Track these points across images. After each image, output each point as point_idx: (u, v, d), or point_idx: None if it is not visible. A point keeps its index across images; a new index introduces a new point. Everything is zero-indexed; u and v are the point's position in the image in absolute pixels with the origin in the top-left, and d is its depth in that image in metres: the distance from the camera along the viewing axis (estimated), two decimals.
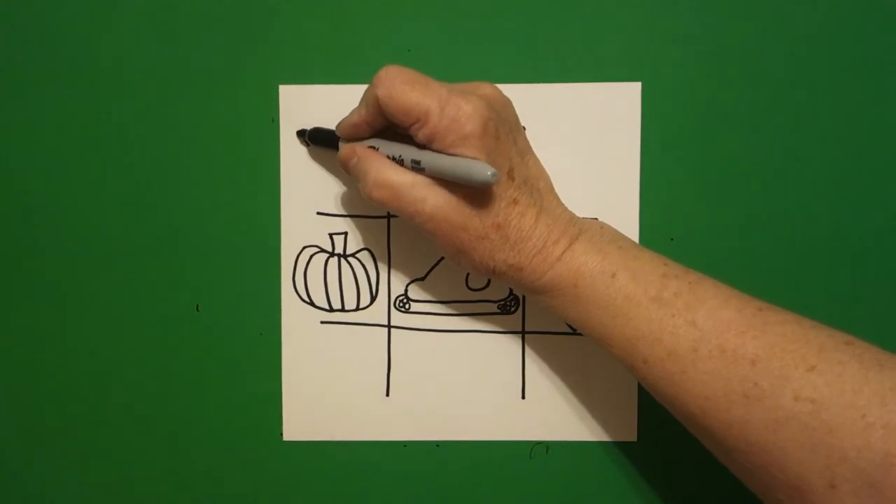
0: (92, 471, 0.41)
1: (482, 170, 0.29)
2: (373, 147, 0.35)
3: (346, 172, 0.37)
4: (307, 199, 0.41)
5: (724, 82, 0.40)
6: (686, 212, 0.40)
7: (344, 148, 0.36)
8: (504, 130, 0.33)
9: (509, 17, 0.40)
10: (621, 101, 0.40)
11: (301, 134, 0.40)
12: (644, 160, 0.40)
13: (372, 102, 0.33)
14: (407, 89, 0.32)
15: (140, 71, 0.40)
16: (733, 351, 0.30)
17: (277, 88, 0.40)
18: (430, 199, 0.32)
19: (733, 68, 0.40)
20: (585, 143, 0.40)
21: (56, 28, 0.40)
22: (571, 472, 0.41)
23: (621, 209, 0.40)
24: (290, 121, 0.40)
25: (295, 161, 0.40)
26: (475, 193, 0.32)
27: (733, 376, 0.30)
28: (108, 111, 0.41)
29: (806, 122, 0.40)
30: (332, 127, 0.38)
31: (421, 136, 0.32)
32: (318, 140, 0.39)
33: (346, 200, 0.41)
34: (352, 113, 0.36)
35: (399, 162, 0.33)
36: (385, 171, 0.33)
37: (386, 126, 0.34)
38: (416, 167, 0.32)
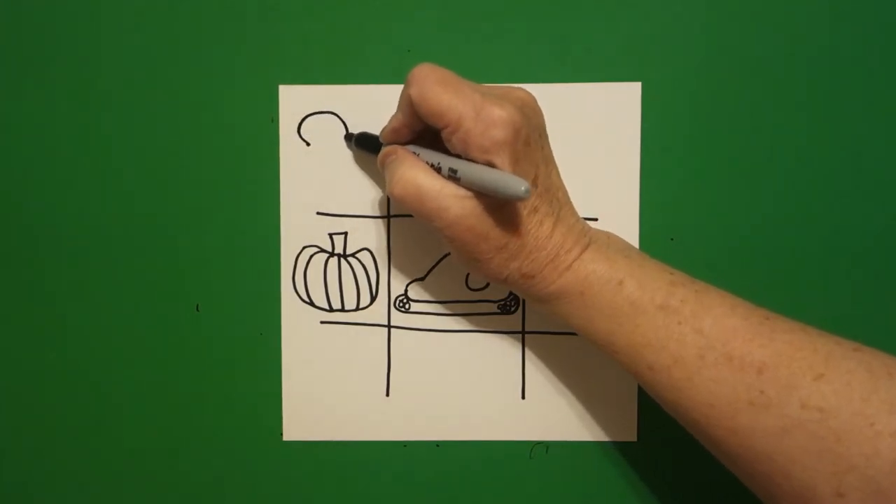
0: (92, 470, 0.41)
1: (517, 185, 0.29)
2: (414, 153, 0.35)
3: (381, 171, 0.36)
4: (307, 199, 0.41)
5: (724, 82, 0.40)
6: (686, 212, 0.40)
7: (385, 147, 0.36)
8: (534, 137, 0.33)
9: (509, 17, 0.40)
10: (621, 101, 0.40)
11: (348, 138, 0.40)
12: (644, 160, 0.40)
13: (406, 103, 0.33)
14: (439, 90, 0.32)
15: (139, 71, 0.40)
16: (740, 359, 0.30)
17: (277, 88, 0.40)
18: (454, 207, 0.32)
19: (733, 68, 0.40)
20: (585, 143, 0.40)
21: (55, 28, 0.40)
22: (571, 472, 0.41)
23: (621, 209, 0.40)
24: (290, 121, 0.40)
25: (295, 161, 0.40)
26: (499, 204, 0.32)
27: (739, 384, 0.30)
28: (107, 111, 0.41)
29: (806, 122, 0.40)
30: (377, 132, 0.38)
31: (455, 140, 0.32)
32: (364, 145, 0.39)
33: (346, 200, 0.41)
34: (391, 119, 0.36)
35: (437, 169, 0.33)
36: (416, 171, 0.33)
37: (426, 129, 0.34)
38: (453, 176, 0.32)
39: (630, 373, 0.33)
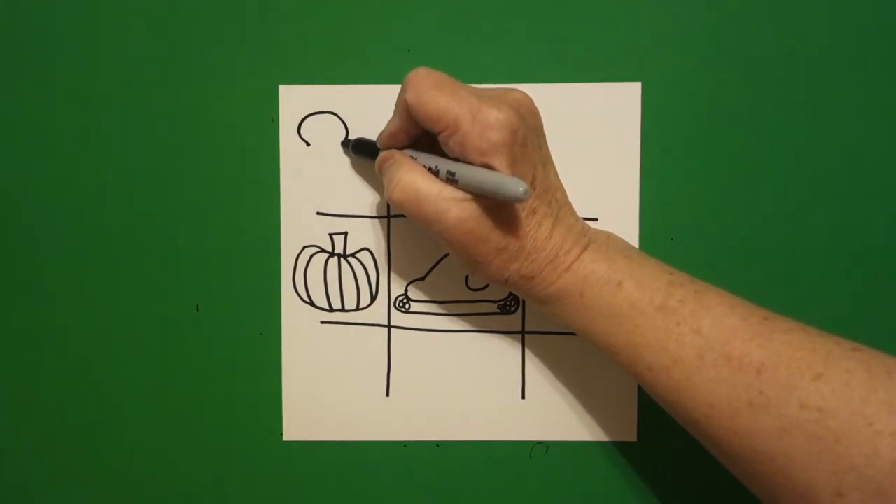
0: (92, 470, 0.41)
1: (515, 186, 0.29)
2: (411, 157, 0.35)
3: (379, 176, 0.36)
4: (307, 199, 0.41)
5: (724, 82, 0.40)
6: (686, 212, 0.40)
7: (383, 152, 0.36)
8: (531, 138, 0.33)
9: (509, 17, 0.40)
10: (621, 101, 0.40)
11: (345, 144, 0.40)
12: (644, 160, 0.40)
13: (403, 108, 0.33)
14: (436, 94, 0.32)
15: (139, 71, 0.40)
16: (739, 359, 0.30)
17: (277, 88, 0.40)
18: (453, 210, 0.32)
19: (733, 68, 0.40)
20: (585, 143, 0.40)
21: (55, 28, 0.40)
22: (571, 472, 0.41)
23: (621, 209, 0.40)
24: (290, 121, 0.40)
25: (295, 161, 0.40)
26: (498, 206, 0.32)
27: (739, 384, 0.30)
28: (107, 111, 0.41)
29: (806, 122, 0.40)
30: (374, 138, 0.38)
31: (452, 143, 0.32)
32: (361, 151, 0.39)
33: (346, 200, 0.41)
34: (388, 123, 0.36)
35: (435, 173, 0.33)
36: (414, 174, 0.33)
37: (423, 133, 0.34)
38: (451, 178, 0.32)
39: (630, 373, 0.33)
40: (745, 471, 0.31)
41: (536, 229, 0.33)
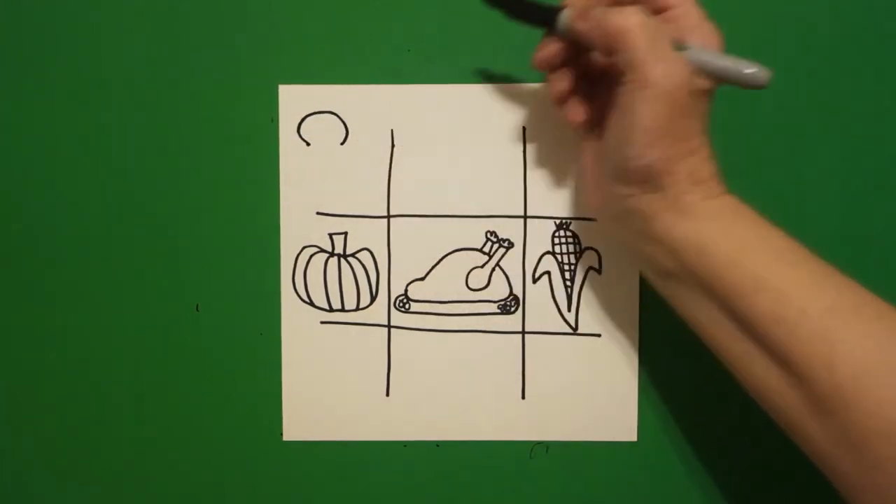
0: (92, 471, 0.41)
1: (757, 69, 0.30)
2: None
3: (571, 27, 0.33)
4: (307, 199, 0.41)
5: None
6: None
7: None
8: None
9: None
10: None
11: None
12: None
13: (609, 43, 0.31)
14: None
15: (140, 71, 0.40)
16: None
17: (277, 88, 0.40)
18: (685, 73, 0.31)
19: None
20: None
21: (55, 28, 0.40)
22: (571, 472, 0.41)
23: None
24: (290, 121, 0.40)
25: (295, 161, 0.40)
26: (704, 94, 0.31)
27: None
28: (107, 111, 0.41)
29: (806, 122, 0.40)
30: None
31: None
32: (519, 12, 0.35)
33: (346, 200, 0.41)
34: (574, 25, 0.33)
35: None
36: (651, 20, 0.31)
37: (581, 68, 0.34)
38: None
39: (755, 320, 0.30)
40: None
41: (708, 148, 0.32)
